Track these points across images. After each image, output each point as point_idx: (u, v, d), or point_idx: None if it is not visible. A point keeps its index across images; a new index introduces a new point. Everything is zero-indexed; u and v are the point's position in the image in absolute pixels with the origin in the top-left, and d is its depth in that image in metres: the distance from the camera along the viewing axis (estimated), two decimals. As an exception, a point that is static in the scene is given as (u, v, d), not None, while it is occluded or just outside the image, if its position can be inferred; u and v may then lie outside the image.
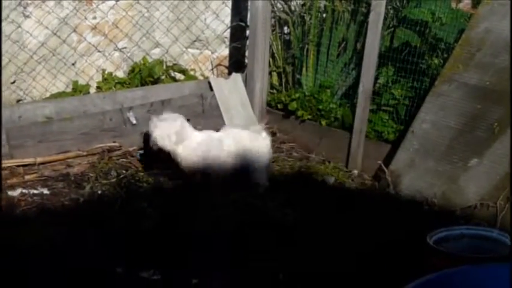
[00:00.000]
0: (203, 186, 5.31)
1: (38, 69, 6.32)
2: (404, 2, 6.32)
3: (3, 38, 6.03)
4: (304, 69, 6.74)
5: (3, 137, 5.56)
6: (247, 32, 7.06)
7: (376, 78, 6.05)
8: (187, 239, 4.44)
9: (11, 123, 5.71)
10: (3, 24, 6.00)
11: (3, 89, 6.12)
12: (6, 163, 5.54)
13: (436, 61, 5.89)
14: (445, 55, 5.84)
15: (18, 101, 6.28)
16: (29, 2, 6.15)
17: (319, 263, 4.23)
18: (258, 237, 4.50)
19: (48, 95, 6.41)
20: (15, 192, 5.14)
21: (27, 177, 5.44)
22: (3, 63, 6.07)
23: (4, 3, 5.97)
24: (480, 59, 5.40)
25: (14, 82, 6.25)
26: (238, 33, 7.37)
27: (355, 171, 6.02)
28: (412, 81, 5.90)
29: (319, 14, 6.71)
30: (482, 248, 4.10)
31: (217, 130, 5.64)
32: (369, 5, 6.02)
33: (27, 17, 6.17)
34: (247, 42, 7.06)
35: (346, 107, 6.33)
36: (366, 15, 6.13)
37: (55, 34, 6.35)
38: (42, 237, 4.29)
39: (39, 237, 4.29)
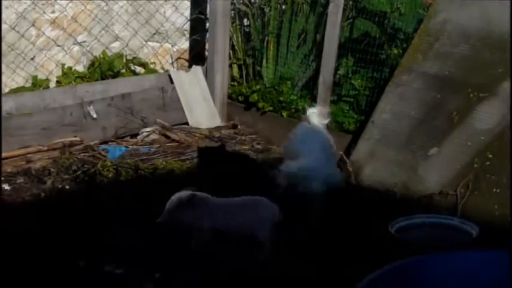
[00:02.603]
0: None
1: (-4, 64, 6.27)
2: (364, -8, 6.35)
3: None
4: (264, 61, 6.76)
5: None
6: (207, 25, 7.06)
7: (336, 69, 6.09)
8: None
9: (-31, 119, 5.65)
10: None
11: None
12: (-35, 159, 5.51)
13: (395, 51, 5.91)
14: (404, 45, 5.88)
15: (-24, 96, 6.21)
16: (-14, -4, 6.09)
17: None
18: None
19: (7, 90, 6.34)
20: (-24, 188, 5.09)
21: (-13, 172, 5.40)
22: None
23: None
24: (439, 48, 5.42)
25: (-29, 78, 6.18)
26: (198, 26, 7.37)
27: (317, 162, 6.01)
28: (372, 71, 5.95)
29: (279, 6, 6.72)
30: (444, 236, 4.16)
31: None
32: (328, -4, 6.04)
33: (-17, 11, 6.12)
34: (207, 34, 7.06)
35: (307, 98, 6.35)
36: (325, 6, 6.16)
37: (13, 29, 6.30)
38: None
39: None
